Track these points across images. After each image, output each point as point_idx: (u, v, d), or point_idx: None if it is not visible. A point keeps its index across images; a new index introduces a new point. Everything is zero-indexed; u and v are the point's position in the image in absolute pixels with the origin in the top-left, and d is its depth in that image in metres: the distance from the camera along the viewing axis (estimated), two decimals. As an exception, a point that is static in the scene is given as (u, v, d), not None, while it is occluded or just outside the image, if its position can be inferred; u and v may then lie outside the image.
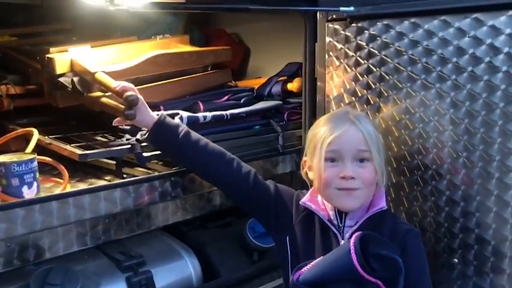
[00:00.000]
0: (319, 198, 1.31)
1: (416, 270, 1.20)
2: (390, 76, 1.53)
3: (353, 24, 1.61)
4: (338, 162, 1.22)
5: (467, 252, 1.42)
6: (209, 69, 2.13)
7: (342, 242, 1.22)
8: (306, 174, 1.34)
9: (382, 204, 1.25)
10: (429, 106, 1.46)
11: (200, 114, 1.70)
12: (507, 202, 1.34)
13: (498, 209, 1.35)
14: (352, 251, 1.10)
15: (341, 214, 1.25)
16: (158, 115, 1.44)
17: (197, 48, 2.11)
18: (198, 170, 1.49)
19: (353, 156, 1.21)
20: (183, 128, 1.44)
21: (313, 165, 1.28)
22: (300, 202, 1.31)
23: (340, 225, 1.25)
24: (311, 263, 1.18)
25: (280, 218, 1.35)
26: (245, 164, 1.44)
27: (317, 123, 1.32)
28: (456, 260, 1.45)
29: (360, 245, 1.11)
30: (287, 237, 1.31)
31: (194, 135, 1.44)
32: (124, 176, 1.61)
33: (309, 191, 1.34)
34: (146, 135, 1.46)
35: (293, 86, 2.03)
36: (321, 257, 1.19)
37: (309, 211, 1.30)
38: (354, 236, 1.13)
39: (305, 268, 1.18)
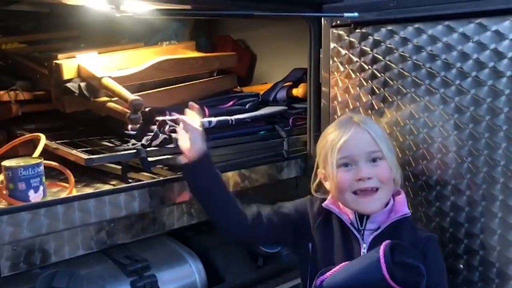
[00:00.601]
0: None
1: (436, 275, 1.21)
2: (394, 81, 1.54)
3: (357, 30, 1.61)
4: (352, 166, 1.23)
5: (472, 258, 1.41)
6: (215, 74, 2.14)
7: (364, 246, 1.22)
8: (319, 185, 1.35)
9: (406, 210, 1.25)
10: (433, 111, 1.46)
11: (205, 119, 1.71)
12: None
13: (503, 215, 1.35)
14: (382, 260, 1.10)
15: (361, 217, 1.25)
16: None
17: (203, 54, 2.12)
18: (213, 215, 1.44)
19: (365, 158, 1.23)
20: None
21: (327, 174, 1.28)
22: (323, 205, 1.30)
23: (361, 228, 1.24)
24: (335, 269, 1.18)
25: (300, 233, 1.34)
26: (262, 210, 1.41)
27: (324, 133, 1.33)
28: (461, 265, 1.44)
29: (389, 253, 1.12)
30: (310, 245, 1.30)
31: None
32: (130, 181, 1.62)
33: (329, 195, 1.34)
34: (189, 163, 1.36)
35: (298, 91, 2.04)
36: (345, 262, 1.18)
37: (326, 214, 1.30)
38: (383, 245, 1.13)
39: (328, 274, 1.18)
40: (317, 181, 1.36)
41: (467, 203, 1.41)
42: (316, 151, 1.36)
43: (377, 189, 1.22)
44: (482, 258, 1.39)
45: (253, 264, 1.84)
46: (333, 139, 1.25)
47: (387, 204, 1.26)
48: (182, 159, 1.36)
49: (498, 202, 1.35)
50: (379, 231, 1.22)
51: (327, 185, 1.31)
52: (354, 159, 1.22)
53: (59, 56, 1.81)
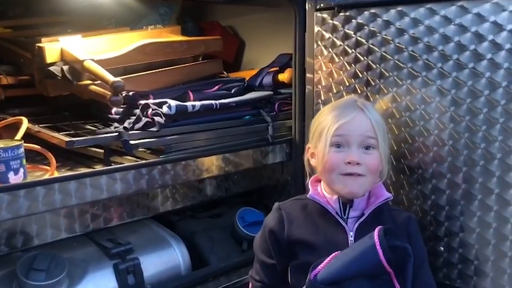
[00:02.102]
0: (319, 190, 1.29)
1: (421, 252, 1.24)
2: (377, 65, 1.53)
3: (340, 13, 1.61)
4: (344, 148, 1.22)
5: (452, 240, 1.42)
6: (200, 59, 2.13)
7: (351, 234, 1.21)
8: (308, 161, 1.33)
9: (387, 193, 1.25)
10: (415, 94, 1.46)
11: (188, 103, 1.71)
12: (508, 201, 1.31)
13: (499, 208, 1.33)
14: (378, 246, 1.10)
15: (345, 206, 1.24)
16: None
17: (187, 38, 2.11)
18: None
19: (360, 142, 1.22)
20: None
21: (317, 152, 1.27)
22: (308, 196, 1.27)
23: (344, 217, 1.24)
24: (326, 260, 1.15)
25: (289, 247, 1.27)
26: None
27: (322, 111, 1.32)
28: (441, 248, 1.45)
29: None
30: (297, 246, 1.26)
31: None
32: (112, 164, 1.62)
33: (309, 183, 1.31)
34: None
35: (284, 77, 2.03)
36: (336, 252, 1.16)
37: (302, 207, 1.28)
38: (376, 230, 1.13)
39: (321, 266, 1.15)
40: (308, 156, 1.33)
41: (462, 196, 1.39)
42: (310, 127, 1.34)
43: (362, 176, 1.22)
44: (461, 240, 1.40)
45: (238, 248, 1.84)
46: (332, 117, 1.24)
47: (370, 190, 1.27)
48: None
49: (494, 195, 1.33)
50: (363, 217, 1.22)
51: (313, 162, 1.30)
52: (348, 141, 1.21)
53: (43, 39, 1.80)
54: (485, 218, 1.36)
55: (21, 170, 1.38)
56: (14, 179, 1.36)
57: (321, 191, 1.29)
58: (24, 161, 1.40)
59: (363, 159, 1.21)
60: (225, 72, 2.22)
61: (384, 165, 1.25)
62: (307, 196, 1.28)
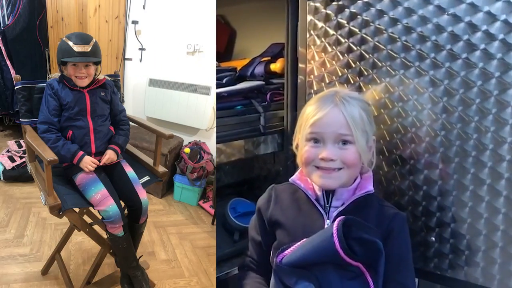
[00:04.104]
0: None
1: (400, 254, 1.19)
2: (370, 55, 1.52)
3: (333, 2, 1.59)
4: (320, 143, 1.21)
5: (444, 231, 1.43)
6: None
7: (327, 222, 1.21)
8: (297, 149, 1.32)
9: (369, 187, 1.23)
10: (408, 84, 1.45)
11: (180, 93, 1.68)
12: (499, 191, 1.33)
13: (490, 199, 1.34)
14: (335, 235, 1.10)
15: (328, 194, 1.24)
16: None
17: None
18: None
19: (335, 139, 1.20)
20: None
21: (299, 142, 1.28)
22: (290, 180, 1.30)
23: (327, 205, 1.24)
24: (295, 245, 1.18)
25: (270, 226, 1.30)
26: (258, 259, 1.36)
27: (307, 102, 1.31)
28: (433, 238, 1.45)
29: (343, 229, 1.11)
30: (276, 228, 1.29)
31: None
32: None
33: (298, 170, 1.32)
34: None
35: (276, 66, 2.02)
36: (305, 239, 1.18)
37: (291, 190, 1.29)
38: (337, 220, 1.13)
39: (288, 250, 1.18)
40: (296, 143, 1.32)
41: (455, 186, 1.40)
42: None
43: (340, 169, 1.20)
44: (453, 230, 1.41)
45: (229, 239, 1.84)
46: (309, 112, 1.23)
47: (354, 182, 1.25)
48: None
49: (486, 186, 1.35)
50: (342, 207, 1.22)
51: (298, 152, 1.30)
52: (323, 137, 1.20)
53: None
54: (477, 209, 1.36)
55: None
56: None
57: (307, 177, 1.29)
58: None
59: (339, 155, 1.19)
60: (216, 62, 2.19)
61: (364, 157, 1.22)
62: (289, 179, 1.31)
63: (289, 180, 1.31)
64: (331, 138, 1.20)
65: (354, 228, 1.12)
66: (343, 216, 1.14)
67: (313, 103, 1.26)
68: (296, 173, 1.32)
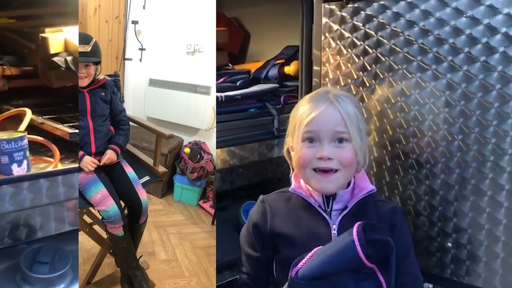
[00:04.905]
0: (302, 183, 1.25)
1: (405, 245, 1.19)
2: (386, 58, 1.51)
3: (349, 5, 1.58)
4: (316, 142, 1.17)
5: (461, 236, 1.40)
6: (206, 51, 2.11)
7: (334, 227, 1.18)
8: (289, 153, 1.28)
9: (370, 186, 1.21)
10: (424, 88, 1.43)
11: (194, 96, 1.68)
12: (502, 185, 1.32)
13: (493, 193, 1.33)
14: (357, 243, 1.06)
15: (328, 198, 1.21)
16: None
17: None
18: None
19: (331, 137, 1.16)
20: None
21: (294, 145, 1.23)
22: (290, 189, 1.25)
23: (327, 209, 1.20)
24: (308, 256, 1.12)
25: (271, 240, 1.25)
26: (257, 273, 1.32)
27: (299, 102, 1.26)
28: (449, 244, 1.43)
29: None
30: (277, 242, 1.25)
31: None
32: (117, 156, 1.60)
33: (292, 177, 1.27)
34: None
35: (290, 69, 2.01)
36: (317, 248, 1.12)
37: (286, 200, 1.25)
38: (355, 226, 1.09)
39: (302, 262, 1.11)
40: (287, 147, 1.29)
41: (457, 181, 1.39)
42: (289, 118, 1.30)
43: (336, 170, 1.17)
44: (470, 236, 1.39)
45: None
46: (303, 112, 1.19)
47: (349, 184, 1.22)
48: None
49: (488, 180, 1.34)
50: (347, 210, 1.18)
51: (292, 155, 1.26)
52: (319, 136, 1.17)
53: (46, 30, 1.77)
54: (495, 215, 1.34)
55: (25, 162, 1.37)
56: (17, 171, 1.34)
57: (304, 184, 1.25)
58: (27, 152, 1.38)
59: (335, 154, 1.16)
60: (230, 64, 2.20)
61: (360, 155, 1.19)
62: (289, 189, 1.25)
63: (290, 189, 1.25)
64: (328, 136, 1.16)
65: (368, 231, 1.09)
66: (360, 222, 1.10)
67: (306, 103, 1.22)
68: (293, 182, 1.26)
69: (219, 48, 2.22)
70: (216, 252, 1.76)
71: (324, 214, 1.19)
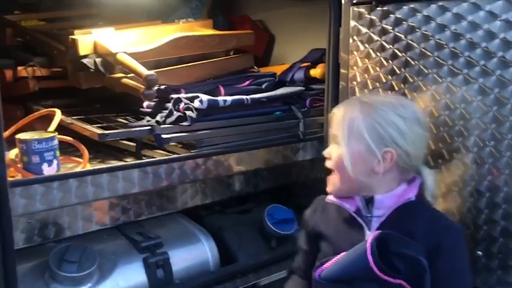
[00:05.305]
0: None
1: (451, 271, 1.11)
2: (416, 62, 1.49)
3: (378, 8, 1.56)
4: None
5: (492, 245, 1.37)
6: (231, 53, 2.11)
7: (368, 233, 1.16)
8: None
9: (410, 195, 1.16)
10: (455, 92, 1.40)
11: (220, 98, 1.69)
12: None
13: None
14: (368, 252, 1.05)
15: (368, 204, 1.19)
16: None
17: (219, 32, 2.09)
18: None
19: (332, 138, 1.22)
20: None
21: None
22: (326, 200, 1.26)
23: (368, 215, 1.18)
24: (334, 259, 1.14)
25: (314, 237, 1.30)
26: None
27: None
28: (480, 252, 1.40)
29: (381, 244, 1.06)
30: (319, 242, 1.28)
31: None
32: (144, 158, 1.62)
33: None
34: None
35: (316, 72, 2.00)
36: (343, 253, 1.14)
37: (328, 207, 1.26)
38: (371, 236, 1.08)
39: (327, 264, 1.15)
40: None
41: (488, 188, 1.36)
42: None
43: (333, 174, 1.21)
44: (501, 245, 1.35)
45: (267, 245, 1.82)
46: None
47: (397, 189, 1.18)
48: None
49: None
50: (384, 217, 1.17)
51: None
52: (329, 136, 1.24)
53: (76, 32, 1.80)
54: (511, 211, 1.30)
55: (55, 161, 1.39)
56: (47, 170, 1.37)
57: None
58: (57, 152, 1.41)
59: (331, 154, 1.21)
60: (255, 67, 2.19)
61: (347, 162, 1.15)
62: (326, 200, 1.27)
63: (326, 200, 1.27)
64: (331, 137, 1.22)
65: (393, 243, 1.07)
66: (380, 231, 1.09)
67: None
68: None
69: (244, 51, 2.22)
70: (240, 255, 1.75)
71: (359, 220, 1.18)
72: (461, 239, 1.16)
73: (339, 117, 1.19)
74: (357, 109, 1.17)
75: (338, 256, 1.14)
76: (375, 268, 1.05)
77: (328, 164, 1.22)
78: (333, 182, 1.22)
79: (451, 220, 1.18)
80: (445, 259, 1.10)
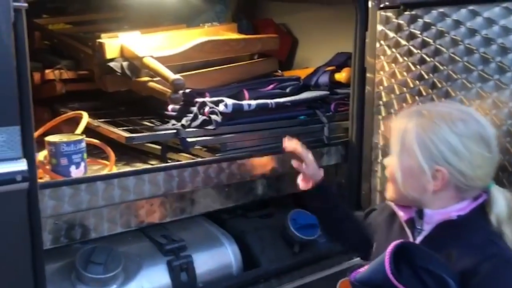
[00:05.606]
0: None
1: None
2: (445, 67, 1.46)
3: (406, 12, 1.55)
4: None
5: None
6: (256, 57, 2.11)
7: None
8: None
9: (452, 213, 1.09)
10: (486, 98, 1.38)
11: (244, 102, 1.69)
12: None
13: None
14: (387, 260, 1.02)
15: (419, 216, 1.15)
16: None
17: (244, 36, 2.09)
18: (330, 231, 1.49)
19: (390, 148, 1.18)
20: None
21: None
22: (386, 201, 1.26)
23: (418, 227, 1.15)
24: (370, 264, 1.12)
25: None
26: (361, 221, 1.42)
27: None
28: None
29: (405, 256, 1.03)
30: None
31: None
32: (169, 161, 1.63)
33: None
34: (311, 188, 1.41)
35: (341, 76, 1.98)
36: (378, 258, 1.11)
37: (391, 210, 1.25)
38: (391, 245, 1.05)
39: (362, 269, 1.13)
40: None
41: None
42: None
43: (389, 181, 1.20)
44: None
45: (289, 250, 1.81)
46: None
47: (450, 206, 1.11)
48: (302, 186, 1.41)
49: None
50: (426, 232, 1.13)
51: None
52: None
53: (102, 35, 1.82)
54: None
55: (82, 164, 1.41)
56: (75, 173, 1.39)
57: None
58: (85, 155, 1.42)
59: (388, 164, 1.19)
60: (279, 71, 2.19)
61: (398, 175, 1.13)
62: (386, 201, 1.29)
63: (386, 202, 1.27)
64: (390, 146, 1.18)
65: (418, 256, 1.03)
66: (400, 241, 1.05)
67: None
68: None
69: (267, 55, 2.22)
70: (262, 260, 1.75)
71: (407, 230, 1.16)
72: (502, 271, 1.01)
73: (394, 128, 1.15)
74: (412, 121, 1.11)
75: (373, 262, 1.12)
76: (391, 277, 1.02)
77: (387, 172, 1.20)
78: (388, 190, 1.20)
79: (508, 250, 1.04)
80: (476, 286, 1.00)
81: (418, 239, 1.14)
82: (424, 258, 1.03)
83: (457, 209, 1.10)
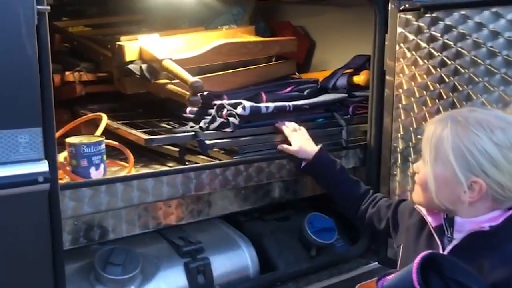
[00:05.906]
0: None
1: None
2: (466, 70, 1.44)
3: (427, 14, 1.53)
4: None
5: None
6: (274, 60, 2.11)
7: (444, 253, 1.11)
8: None
9: (484, 224, 1.06)
10: (508, 102, 1.36)
11: (262, 105, 1.69)
12: None
13: None
14: (414, 271, 1.00)
15: (449, 223, 1.13)
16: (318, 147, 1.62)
17: (262, 38, 2.09)
18: (338, 199, 1.62)
19: (421, 154, 1.15)
20: (339, 163, 1.62)
21: None
22: (415, 206, 1.24)
23: (448, 235, 1.12)
24: (397, 272, 1.10)
25: (397, 231, 1.34)
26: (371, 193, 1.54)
27: None
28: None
29: (435, 266, 1.01)
30: (401, 246, 1.28)
31: (346, 172, 1.61)
32: (187, 163, 1.63)
33: None
34: (304, 164, 1.61)
35: (359, 79, 1.97)
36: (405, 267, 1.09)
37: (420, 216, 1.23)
38: (419, 256, 1.02)
39: (390, 276, 1.11)
40: None
41: None
42: None
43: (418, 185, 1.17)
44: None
45: (306, 254, 1.80)
46: None
47: (482, 215, 1.08)
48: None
49: None
50: (456, 241, 1.10)
51: None
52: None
53: (122, 38, 1.84)
54: None
55: (102, 165, 1.42)
56: (95, 174, 1.40)
57: None
58: (104, 157, 1.43)
59: (418, 170, 1.16)
60: (297, 73, 2.18)
61: (431, 185, 1.09)
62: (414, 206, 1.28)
63: (415, 206, 1.26)
64: (422, 152, 1.15)
65: (447, 268, 1.01)
66: (429, 252, 1.03)
67: None
68: None
69: (285, 57, 2.21)
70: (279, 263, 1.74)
71: (436, 238, 1.14)
72: None
73: (428, 134, 1.10)
74: (448, 128, 1.06)
75: (402, 270, 1.09)
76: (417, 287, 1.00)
77: (416, 178, 1.17)
78: (417, 195, 1.16)
79: None
80: None
81: (448, 248, 1.10)
82: (453, 269, 1.00)
83: (488, 218, 1.06)
